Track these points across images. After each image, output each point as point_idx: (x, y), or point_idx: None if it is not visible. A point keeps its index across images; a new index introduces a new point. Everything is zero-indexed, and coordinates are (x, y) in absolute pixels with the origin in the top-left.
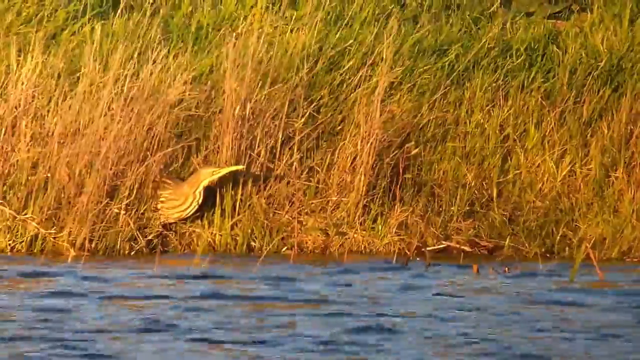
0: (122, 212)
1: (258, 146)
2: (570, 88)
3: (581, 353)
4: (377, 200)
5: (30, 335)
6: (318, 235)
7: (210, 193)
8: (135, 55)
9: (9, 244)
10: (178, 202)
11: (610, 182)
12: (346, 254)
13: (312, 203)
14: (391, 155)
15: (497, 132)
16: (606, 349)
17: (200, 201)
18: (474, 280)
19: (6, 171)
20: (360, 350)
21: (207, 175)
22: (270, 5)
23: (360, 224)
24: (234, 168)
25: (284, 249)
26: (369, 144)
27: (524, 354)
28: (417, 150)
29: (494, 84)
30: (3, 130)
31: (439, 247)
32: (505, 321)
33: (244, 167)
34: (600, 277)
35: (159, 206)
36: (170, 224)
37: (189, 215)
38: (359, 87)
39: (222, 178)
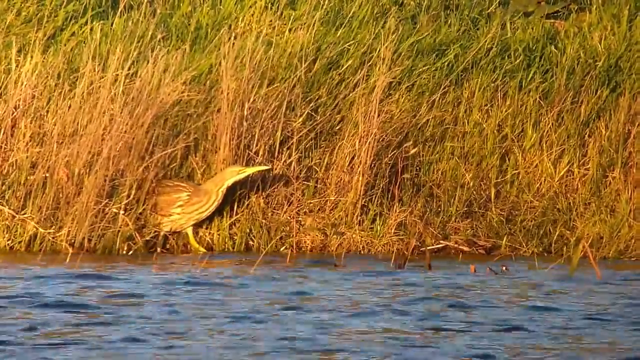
0: (121, 212)
1: (256, 145)
2: (568, 88)
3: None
4: (376, 200)
5: None
6: (316, 235)
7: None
8: (135, 55)
9: (8, 244)
10: (201, 202)
11: (607, 182)
12: (344, 253)
13: (310, 203)
14: (390, 155)
15: (496, 132)
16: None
17: (220, 200)
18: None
19: (5, 171)
20: None
21: (233, 174)
22: (269, 5)
23: (359, 223)
24: (260, 168)
25: (282, 249)
26: (367, 144)
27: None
28: (415, 150)
29: (492, 84)
30: (2, 129)
31: (438, 246)
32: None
33: (271, 166)
34: (598, 276)
35: (177, 211)
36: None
37: (207, 215)
38: (358, 86)
39: (247, 178)
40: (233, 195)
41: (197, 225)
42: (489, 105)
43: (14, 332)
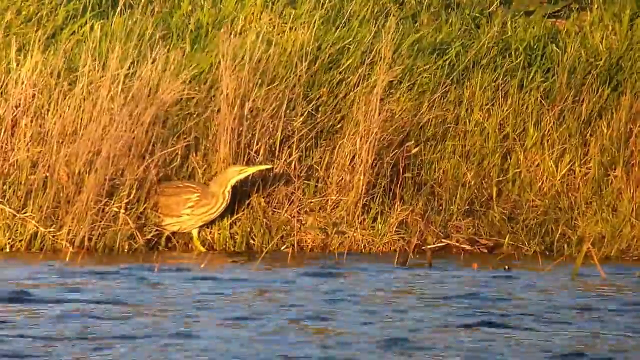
0: (122, 211)
1: (257, 145)
2: (570, 87)
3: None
4: (377, 199)
5: None
6: (317, 234)
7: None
8: (134, 54)
9: (9, 243)
10: (210, 204)
11: (609, 181)
12: (346, 252)
13: (311, 202)
14: (391, 154)
15: (497, 131)
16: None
17: (228, 201)
18: None
19: (6, 170)
20: None
21: (235, 174)
22: (269, 4)
23: (360, 222)
24: (261, 167)
25: (282, 248)
26: (368, 143)
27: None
28: (417, 149)
29: (493, 83)
30: (3, 129)
31: (439, 245)
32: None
33: (272, 165)
34: (602, 276)
35: (187, 212)
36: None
37: (216, 216)
38: (358, 85)
39: (248, 177)
40: (234, 195)
41: (200, 225)
42: (490, 104)
43: None
